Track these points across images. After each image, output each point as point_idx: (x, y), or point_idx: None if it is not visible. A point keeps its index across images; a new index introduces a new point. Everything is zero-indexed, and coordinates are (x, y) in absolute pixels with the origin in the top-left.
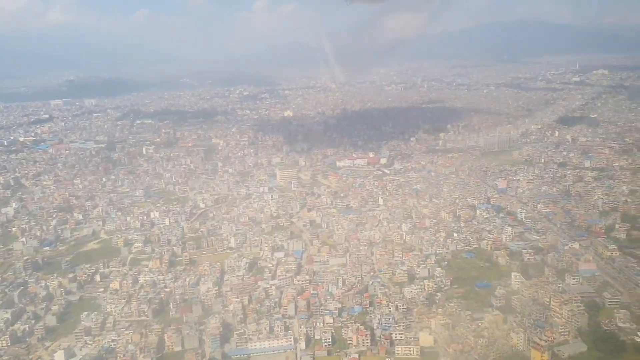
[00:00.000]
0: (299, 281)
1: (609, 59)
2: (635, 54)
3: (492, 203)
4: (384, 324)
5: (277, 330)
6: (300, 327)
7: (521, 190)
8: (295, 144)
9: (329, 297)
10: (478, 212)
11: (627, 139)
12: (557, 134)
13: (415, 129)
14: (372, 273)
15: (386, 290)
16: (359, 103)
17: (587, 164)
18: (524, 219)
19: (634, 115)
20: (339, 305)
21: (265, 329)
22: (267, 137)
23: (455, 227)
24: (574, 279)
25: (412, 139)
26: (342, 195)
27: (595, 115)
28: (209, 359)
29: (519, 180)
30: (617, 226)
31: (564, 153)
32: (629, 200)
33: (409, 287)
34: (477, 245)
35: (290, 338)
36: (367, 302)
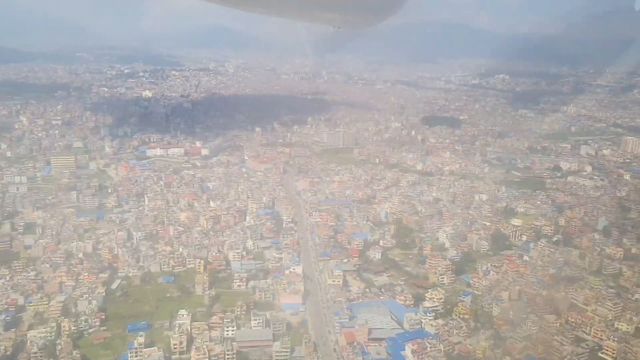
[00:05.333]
0: None
1: (516, 64)
2: (539, 62)
3: (275, 208)
4: None
5: None
6: None
7: (317, 194)
8: (121, 127)
9: None
10: (248, 218)
11: (477, 142)
12: (413, 133)
13: (273, 120)
14: (13, 305)
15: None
16: (238, 89)
17: (419, 166)
18: (282, 230)
19: (502, 119)
20: None
21: None
22: (93, 118)
23: (197, 239)
24: (256, 319)
25: (257, 129)
26: (109, 190)
27: (466, 117)
28: None
29: (333, 181)
30: (381, 242)
31: (404, 154)
32: (423, 209)
33: (39, 329)
34: (192, 265)
35: None
36: None
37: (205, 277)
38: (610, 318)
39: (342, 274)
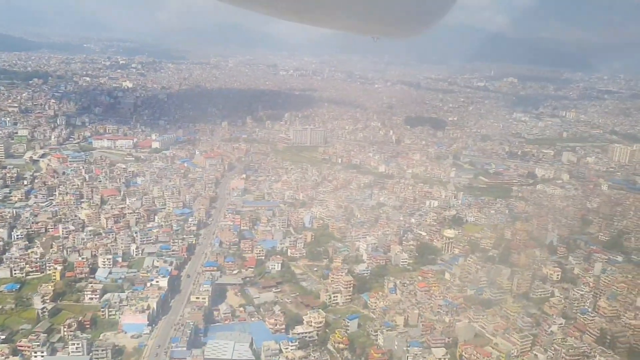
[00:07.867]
0: None
1: (528, 69)
2: (553, 67)
3: (195, 208)
4: None
5: None
6: None
7: (249, 194)
8: (80, 116)
9: None
10: (157, 218)
11: (455, 145)
12: (390, 133)
13: (247, 114)
14: None
15: None
16: (225, 83)
17: (382, 168)
18: (183, 233)
19: (492, 122)
20: None
21: None
22: (56, 106)
23: (83, 240)
24: (75, 343)
25: (223, 123)
26: (26, 182)
27: (455, 118)
28: None
29: (278, 181)
30: (289, 252)
31: (371, 155)
32: (359, 215)
33: None
34: (52, 272)
35: None
36: None
37: (50, 286)
38: (514, 354)
39: (209, 288)
